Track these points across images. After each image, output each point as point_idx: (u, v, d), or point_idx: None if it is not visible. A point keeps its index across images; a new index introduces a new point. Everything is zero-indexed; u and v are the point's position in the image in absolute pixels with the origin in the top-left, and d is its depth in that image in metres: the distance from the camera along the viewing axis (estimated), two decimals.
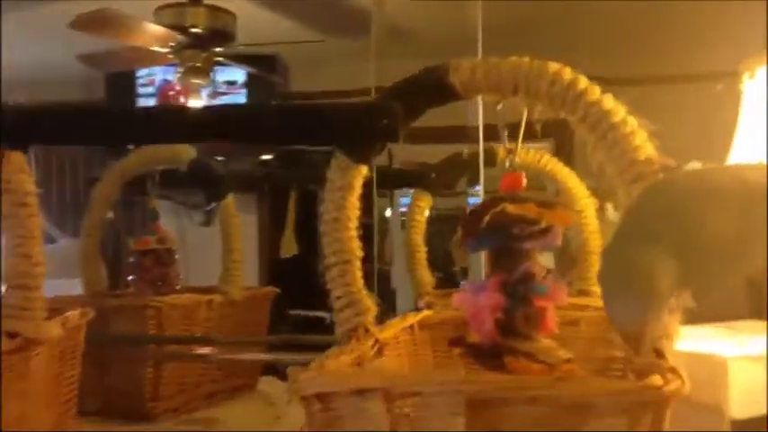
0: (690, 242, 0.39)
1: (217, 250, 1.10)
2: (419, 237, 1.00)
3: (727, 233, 0.40)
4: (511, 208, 0.50)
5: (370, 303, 0.59)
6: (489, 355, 0.52)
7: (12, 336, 0.56)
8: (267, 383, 1.14)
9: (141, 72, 2.60)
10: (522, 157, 0.77)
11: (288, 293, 1.24)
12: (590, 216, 0.77)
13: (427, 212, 1.00)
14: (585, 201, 0.78)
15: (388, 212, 2.17)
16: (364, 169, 0.59)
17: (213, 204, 1.15)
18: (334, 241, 0.59)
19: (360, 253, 0.60)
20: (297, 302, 2.10)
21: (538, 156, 0.79)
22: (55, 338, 0.63)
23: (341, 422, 0.44)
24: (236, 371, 1.08)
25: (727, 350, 0.92)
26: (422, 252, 0.98)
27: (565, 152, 1.08)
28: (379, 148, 0.58)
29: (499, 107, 0.54)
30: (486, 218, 0.51)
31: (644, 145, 0.48)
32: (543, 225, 0.51)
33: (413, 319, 0.69)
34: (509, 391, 0.41)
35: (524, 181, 0.54)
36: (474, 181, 1.01)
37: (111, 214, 1.17)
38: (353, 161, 0.58)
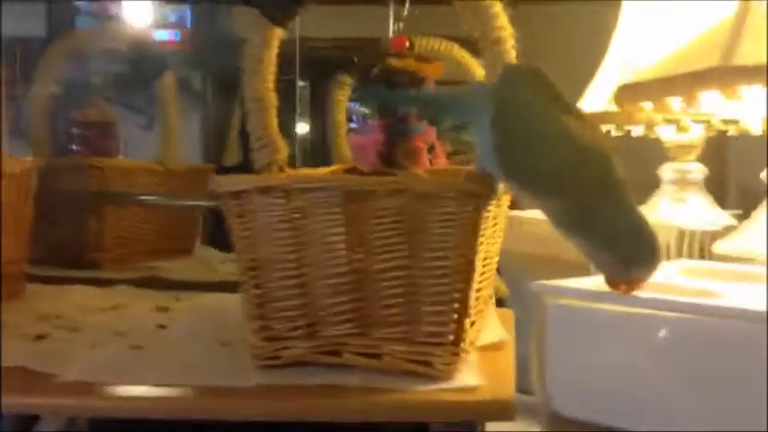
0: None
1: None
2: (342, 116, 1.11)
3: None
4: (394, 62, 0.63)
5: (283, 145, 0.71)
6: None
7: None
8: (204, 250, 1.26)
9: None
10: (425, 44, 0.90)
11: None
12: None
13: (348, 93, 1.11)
14: (474, 65, 0.91)
15: None
16: (280, 31, 0.70)
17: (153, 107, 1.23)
18: (254, 91, 0.71)
19: (275, 102, 0.71)
20: None
21: (438, 43, 0.91)
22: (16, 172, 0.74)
23: (251, 214, 0.57)
24: (175, 233, 1.20)
25: None
26: (343, 129, 1.10)
27: None
28: (293, 13, 0.69)
29: None
30: (375, 70, 0.63)
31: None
32: (420, 75, 0.64)
33: (324, 169, 0.82)
34: (376, 185, 0.54)
35: (408, 43, 0.67)
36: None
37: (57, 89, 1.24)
38: (270, 22, 0.69)
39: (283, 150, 0.72)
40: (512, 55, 0.60)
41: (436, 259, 0.54)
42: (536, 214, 1.20)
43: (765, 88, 0.63)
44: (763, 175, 0.76)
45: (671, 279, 0.61)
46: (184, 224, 1.21)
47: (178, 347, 0.64)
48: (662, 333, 0.47)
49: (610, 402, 0.47)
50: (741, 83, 0.62)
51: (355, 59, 1.18)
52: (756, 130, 0.82)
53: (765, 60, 0.61)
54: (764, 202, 0.76)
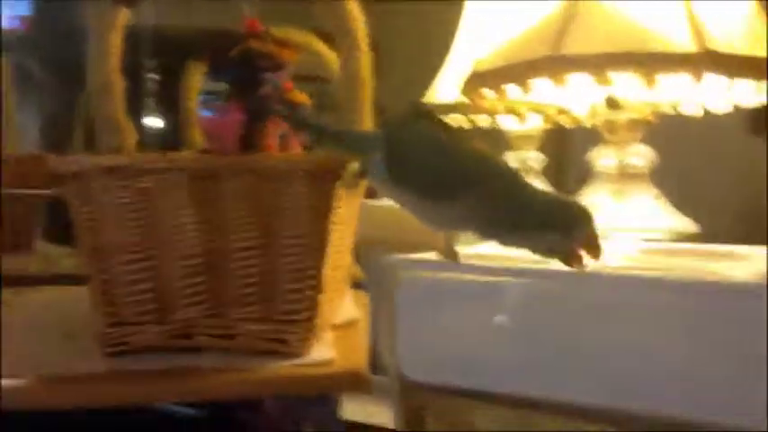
0: None
1: None
2: (192, 103, 1.09)
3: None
4: (254, 43, 0.63)
5: (131, 129, 0.69)
6: None
7: None
8: (45, 246, 1.19)
9: None
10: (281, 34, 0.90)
11: None
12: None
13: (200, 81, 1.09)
14: (330, 56, 0.92)
15: None
16: (126, 14, 0.68)
17: None
18: (99, 73, 0.68)
19: (122, 85, 0.69)
20: None
21: (294, 33, 0.92)
22: None
23: (94, 196, 0.55)
24: (13, 228, 1.12)
25: None
26: (194, 115, 1.08)
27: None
28: None
29: None
30: (235, 51, 0.63)
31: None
32: (280, 59, 0.64)
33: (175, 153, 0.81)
34: (223, 167, 0.54)
35: (261, 26, 0.67)
36: None
37: None
38: (116, 3, 0.67)
39: (131, 135, 0.70)
40: (365, 48, 0.62)
41: (289, 238, 0.55)
42: (390, 202, 1.24)
43: (591, 76, 0.69)
44: (589, 155, 0.83)
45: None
46: (22, 218, 1.13)
47: (21, 340, 0.60)
48: (502, 297, 0.51)
49: (456, 365, 0.50)
50: (568, 71, 0.67)
51: (209, 47, 1.16)
52: (585, 117, 0.89)
53: (591, 50, 0.67)
54: (591, 185, 0.84)
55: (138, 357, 0.55)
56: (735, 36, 0.65)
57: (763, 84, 0.70)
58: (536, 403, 0.51)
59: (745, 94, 0.72)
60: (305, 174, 0.54)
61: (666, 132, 0.83)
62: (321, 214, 0.55)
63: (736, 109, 0.77)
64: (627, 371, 0.49)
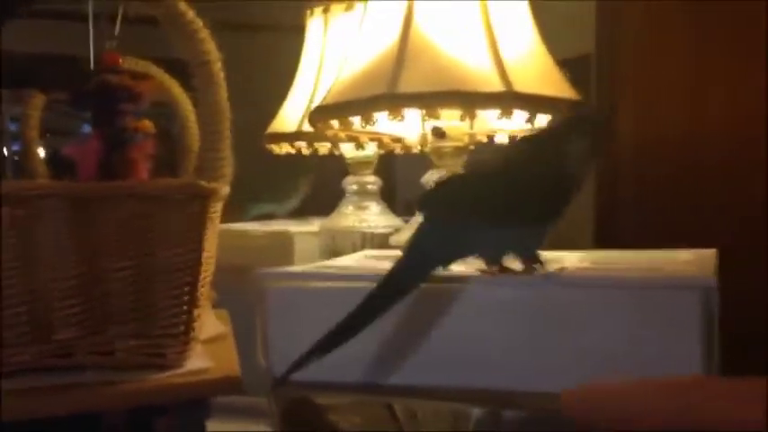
0: None
1: None
2: (33, 132, 1.08)
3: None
4: (111, 77, 0.67)
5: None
6: None
7: None
8: None
9: None
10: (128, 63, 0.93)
11: None
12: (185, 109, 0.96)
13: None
14: (176, 90, 0.96)
15: None
16: None
17: None
18: None
19: None
20: None
21: (136, 63, 0.95)
22: None
23: None
24: None
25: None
26: (34, 144, 1.07)
27: None
28: None
29: None
30: (91, 84, 0.67)
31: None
32: (137, 91, 0.69)
33: None
34: (100, 193, 0.58)
35: (121, 60, 0.71)
36: None
37: None
38: None
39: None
40: (220, 77, 0.68)
41: (167, 258, 0.60)
42: (244, 226, 1.30)
43: (421, 111, 0.80)
44: (423, 179, 0.95)
45: (359, 261, 0.75)
46: None
47: None
48: (359, 300, 0.60)
49: (322, 362, 0.58)
50: (403, 107, 0.78)
51: (52, 75, 1.15)
52: (415, 146, 1.01)
53: (420, 88, 0.78)
54: None
55: (17, 379, 0.57)
56: (533, 78, 0.80)
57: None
58: (394, 389, 0.60)
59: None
60: (180, 198, 0.59)
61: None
62: (197, 233, 0.60)
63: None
64: (470, 357, 0.60)
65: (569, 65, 1.79)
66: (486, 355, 0.59)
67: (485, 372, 0.58)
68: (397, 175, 1.86)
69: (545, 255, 0.63)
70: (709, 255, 0.69)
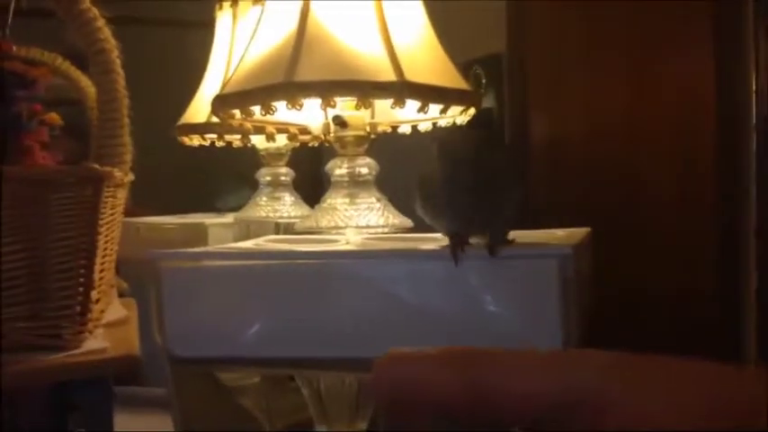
0: None
1: None
2: None
3: None
4: (4, 63, 0.68)
5: None
6: None
7: None
8: None
9: None
10: (27, 53, 0.93)
11: None
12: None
13: None
14: (80, 78, 0.97)
15: None
16: None
17: None
18: None
19: None
20: None
21: (41, 53, 0.95)
22: None
23: None
24: None
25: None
26: None
27: None
28: None
29: None
30: None
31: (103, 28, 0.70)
32: (30, 77, 0.70)
33: None
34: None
35: (14, 47, 0.72)
36: None
37: None
38: None
39: None
40: (117, 64, 0.70)
41: (60, 240, 0.62)
42: (158, 219, 1.31)
43: (320, 99, 0.83)
44: (327, 167, 0.98)
45: (257, 244, 0.78)
46: None
47: None
48: (251, 277, 0.63)
49: (216, 338, 0.60)
50: (302, 96, 0.81)
51: None
52: (320, 135, 1.05)
53: (317, 77, 0.81)
54: (329, 192, 0.99)
55: None
56: (425, 68, 0.84)
57: (455, 107, 0.90)
58: (282, 361, 0.63)
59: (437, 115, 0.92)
60: (70, 181, 0.61)
61: (386, 147, 1.02)
62: (90, 216, 0.62)
63: (434, 126, 0.98)
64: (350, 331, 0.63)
65: (483, 63, 1.86)
66: (365, 327, 0.62)
67: (364, 343, 0.62)
68: (320, 165, 1.89)
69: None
70: (581, 232, 0.75)
